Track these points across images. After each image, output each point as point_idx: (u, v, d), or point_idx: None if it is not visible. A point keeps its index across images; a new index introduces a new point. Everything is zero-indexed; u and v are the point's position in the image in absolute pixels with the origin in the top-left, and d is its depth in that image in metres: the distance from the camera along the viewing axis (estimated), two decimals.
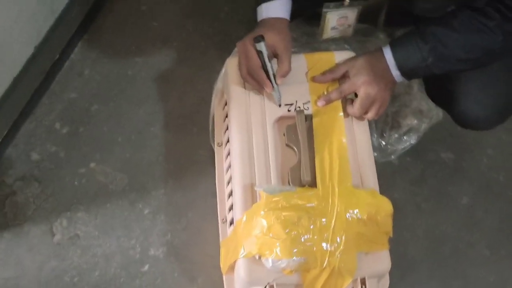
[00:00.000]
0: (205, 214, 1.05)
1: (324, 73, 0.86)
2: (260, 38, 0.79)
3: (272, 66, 0.82)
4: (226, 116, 0.90)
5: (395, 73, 0.82)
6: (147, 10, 1.31)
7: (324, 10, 0.90)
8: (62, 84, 1.20)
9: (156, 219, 1.06)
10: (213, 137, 1.00)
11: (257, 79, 0.82)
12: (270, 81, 0.82)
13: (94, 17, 1.29)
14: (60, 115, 1.16)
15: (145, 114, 1.17)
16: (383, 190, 1.10)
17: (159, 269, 1.02)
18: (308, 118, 0.84)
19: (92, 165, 1.11)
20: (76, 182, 1.09)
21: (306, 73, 0.87)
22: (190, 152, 1.13)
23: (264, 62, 0.81)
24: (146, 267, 1.02)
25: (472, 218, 1.11)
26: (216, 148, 0.98)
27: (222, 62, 0.92)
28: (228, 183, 0.88)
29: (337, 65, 0.86)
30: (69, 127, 1.15)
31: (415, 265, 1.05)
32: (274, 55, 0.83)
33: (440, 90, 0.93)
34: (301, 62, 0.88)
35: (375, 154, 1.04)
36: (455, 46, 0.77)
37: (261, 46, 0.80)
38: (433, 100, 0.99)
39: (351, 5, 0.89)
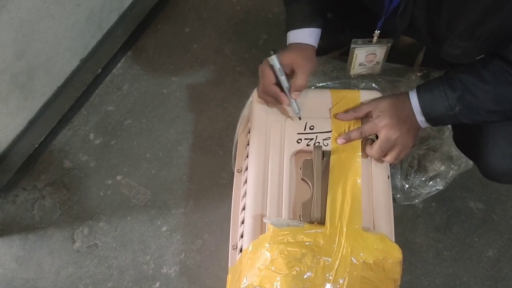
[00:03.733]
0: (221, 238, 1.06)
1: (347, 111, 0.86)
2: (271, 52, 0.81)
3: (288, 80, 0.83)
4: (248, 144, 0.91)
5: (420, 119, 0.80)
6: (189, 33, 1.35)
7: (352, 46, 0.91)
8: (101, 97, 1.26)
9: (173, 238, 1.08)
10: (235, 162, 1.01)
11: (272, 95, 0.84)
12: (286, 94, 0.83)
13: (139, 36, 1.35)
14: (95, 126, 1.21)
15: (175, 132, 1.20)
16: (404, 233, 1.09)
17: (170, 287, 1.03)
18: (327, 155, 0.83)
19: (119, 177, 1.15)
20: (101, 193, 1.13)
21: (330, 109, 0.88)
22: (214, 175, 1.14)
23: (276, 76, 0.82)
24: (157, 285, 1.03)
25: (497, 273, 1.06)
26: (235, 174, 0.98)
27: (254, 88, 0.94)
28: (242, 210, 0.88)
29: (361, 105, 0.85)
30: (102, 139, 1.20)
31: None
32: (292, 71, 0.84)
33: (467, 139, 0.90)
34: (326, 98, 0.89)
35: (398, 195, 1.02)
36: (485, 97, 0.74)
37: (273, 60, 0.81)
38: (459, 148, 0.96)
39: (379, 42, 0.89)
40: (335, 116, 0.86)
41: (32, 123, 1.16)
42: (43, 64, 1.12)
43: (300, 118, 0.86)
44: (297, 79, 0.83)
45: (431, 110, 0.79)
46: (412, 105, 0.80)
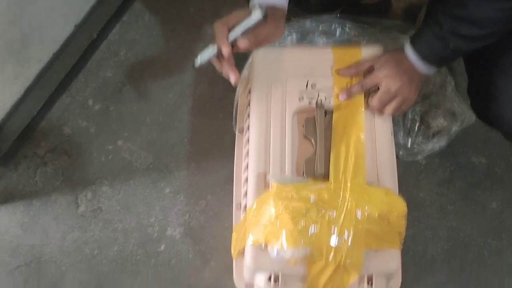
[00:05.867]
0: (224, 198, 1.06)
1: (349, 67, 0.84)
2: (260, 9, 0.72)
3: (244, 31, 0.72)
4: (249, 104, 0.91)
5: (422, 67, 0.79)
6: None
7: None
8: (98, 62, 1.24)
9: (176, 199, 1.08)
10: (236, 123, 1.00)
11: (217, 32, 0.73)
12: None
13: (134, 0, 1.31)
14: (94, 92, 1.20)
15: (174, 97, 1.19)
16: (408, 189, 1.09)
17: (175, 249, 1.04)
18: (329, 112, 0.82)
19: (120, 142, 1.14)
20: (103, 158, 1.13)
21: (332, 67, 0.86)
22: (215, 137, 1.14)
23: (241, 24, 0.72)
24: (162, 247, 1.04)
25: (500, 225, 1.06)
26: (237, 135, 0.98)
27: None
28: (245, 169, 0.88)
29: (363, 60, 0.84)
30: (101, 105, 1.18)
31: (434, 267, 1.02)
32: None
33: (484, 102, 0.88)
34: (327, 55, 0.87)
35: (401, 152, 1.02)
36: (472, 24, 0.73)
37: (254, 9, 0.72)
38: (480, 117, 0.94)
39: None
40: (337, 72, 0.85)
41: (29, 91, 1.15)
42: (37, 31, 1.09)
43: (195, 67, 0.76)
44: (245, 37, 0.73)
45: (429, 55, 0.78)
46: (410, 58, 0.79)
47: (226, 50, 0.72)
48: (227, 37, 0.73)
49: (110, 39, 1.27)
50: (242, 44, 0.73)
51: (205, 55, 0.76)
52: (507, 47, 0.81)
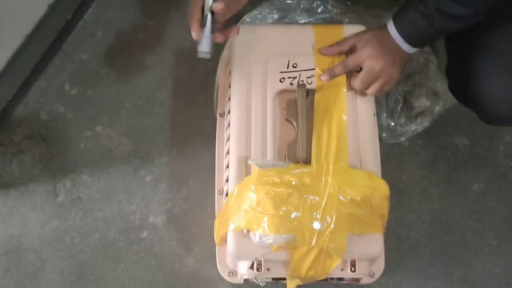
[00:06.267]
0: (206, 185, 1.04)
1: (331, 46, 0.83)
2: None
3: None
4: (230, 86, 0.88)
5: (406, 46, 0.78)
6: None
7: None
8: (74, 44, 1.20)
9: (158, 187, 1.06)
10: (217, 107, 0.98)
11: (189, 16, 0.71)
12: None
13: None
14: (70, 76, 1.16)
15: (154, 80, 1.16)
16: (390, 172, 1.08)
17: (157, 236, 1.02)
18: (311, 93, 0.81)
19: (99, 128, 1.11)
20: (82, 145, 1.10)
21: (313, 46, 0.84)
22: (196, 122, 1.11)
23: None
24: (145, 234, 1.03)
25: (482, 207, 1.07)
26: (218, 119, 0.96)
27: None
28: (227, 154, 0.87)
29: (345, 38, 0.82)
30: (78, 89, 1.15)
31: (417, 250, 1.02)
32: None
33: (463, 83, 0.87)
34: (308, 34, 0.85)
35: (384, 134, 1.01)
36: (458, 3, 0.72)
37: None
38: (457, 98, 0.93)
39: None
40: (319, 50, 0.83)
41: (3, 75, 1.10)
42: (8, 12, 1.04)
43: (207, 57, 0.74)
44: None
45: (412, 34, 0.77)
46: (393, 36, 0.78)
47: (194, 34, 0.71)
48: (198, 19, 0.71)
49: (85, 19, 1.22)
50: (218, 7, 0.70)
51: (203, 43, 0.73)
52: (487, 27, 0.80)
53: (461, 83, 0.87)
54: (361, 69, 0.79)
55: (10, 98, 1.11)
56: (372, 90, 0.79)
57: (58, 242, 1.02)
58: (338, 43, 0.82)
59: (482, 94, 0.83)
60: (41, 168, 1.08)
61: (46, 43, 1.16)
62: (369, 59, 0.77)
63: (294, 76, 0.82)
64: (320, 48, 0.83)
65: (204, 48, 0.74)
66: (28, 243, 1.02)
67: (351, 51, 0.81)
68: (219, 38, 0.73)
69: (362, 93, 0.80)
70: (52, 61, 1.17)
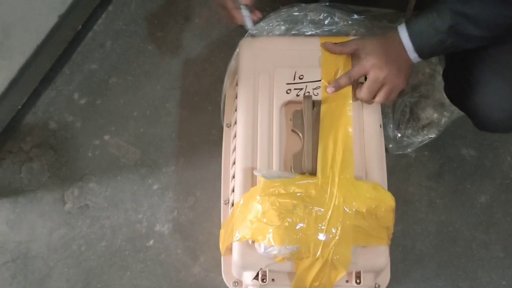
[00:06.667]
0: (213, 194, 1.05)
1: (335, 44, 0.84)
2: None
3: None
4: (236, 97, 0.89)
5: (413, 55, 0.78)
6: None
7: None
8: (83, 54, 1.21)
9: (165, 196, 1.07)
10: (224, 117, 0.99)
11: (223, 6, 0.84)
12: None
13: None
14: (79, 85, 1.18)
15: (162, 89, 1.17)
16: (397, 183, 1.08)
17: (164, 245, 1.03)
18: (317, 104, 0.81)
19: (107, 137, 1.13)
20: (89, 153, 1.11)
21: (320, 57, 0.85)
22: (203, 131, 1.12)
23: None
24: (151, 242, 1.03)
25: (489, 218, 1.06)
26: (225, 129, 0.97)
27: (241, 40, 0.90)
28: (233, 164, 0.87)
29: (349, 41, 0.83)
30: (87, 98, 1.16)
31: (423, 261, 1.02)
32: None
33: (459, 88, 0.87)
34: (315, 46, 0.86)
35: (390, 145, 1.01)
36: (475, 25, 0.72)
37: None
38: (451, 101, 0.94)
39: None
40: (323, 45, 0.84)
41: (13, 84, 1.12)
42: (19, 21, 1.06)
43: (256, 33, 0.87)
44: None
45: (423, 47, 0.77)
46: (403, 43, 0.77)
47: (238, 18, 0.83)
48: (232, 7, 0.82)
49: (95, 29, 1.24)
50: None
51: (247, 23, 0.85)
52: None
53: (459, 89, 0.87)
54: (366, 78, 0.80)
55: (20, 107, 1.12)
56: (379, 98, 0.79)
57: (65, 250, 1.03)
58: (342, 43, 0.83)
59: (480, 101, 0.83)
60: (49, 176, 1.09)
61: (56, 53, 1.17)
62: (373, 69, 0.77)
63: (301, 87, 0.82)
64: (325, 42, 0.84)
65: (250, 25, 0.86)
66: (36, 250, 1.03)
67: (354, 57, 0.81)
68: (256, 17, 0.84)
69: (369, 102, 0.81)
70: (61, 71, 1.19)
